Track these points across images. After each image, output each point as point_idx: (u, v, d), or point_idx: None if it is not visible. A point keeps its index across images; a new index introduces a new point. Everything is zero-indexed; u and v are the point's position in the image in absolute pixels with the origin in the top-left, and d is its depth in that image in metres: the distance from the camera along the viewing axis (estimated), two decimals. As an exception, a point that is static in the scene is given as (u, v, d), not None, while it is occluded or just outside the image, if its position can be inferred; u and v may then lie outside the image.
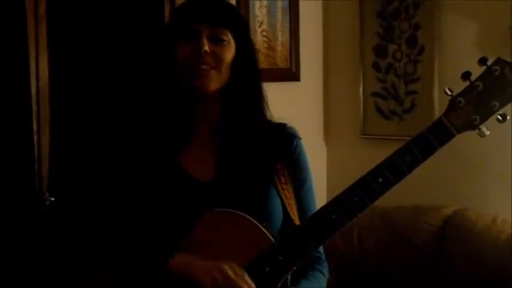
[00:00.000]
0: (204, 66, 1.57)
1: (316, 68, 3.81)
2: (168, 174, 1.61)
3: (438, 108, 3.32)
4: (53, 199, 2.87)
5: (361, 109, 3.66)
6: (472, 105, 1.45)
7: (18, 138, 2.85)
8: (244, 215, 1.51)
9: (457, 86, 3.71)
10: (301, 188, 1.68)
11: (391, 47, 3.55)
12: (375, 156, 3.46)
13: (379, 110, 3.61)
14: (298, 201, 1.65)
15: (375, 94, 3.62)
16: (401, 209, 3.33)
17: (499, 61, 1.45)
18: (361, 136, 3.66)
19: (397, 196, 3.30)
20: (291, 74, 3.52)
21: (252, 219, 1.51)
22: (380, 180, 1.47)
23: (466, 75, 1.46)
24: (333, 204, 1.48)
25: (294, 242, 1.49)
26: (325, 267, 1.70)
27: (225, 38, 1.60)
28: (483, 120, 1.45)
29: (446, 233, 3.11)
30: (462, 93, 1.47)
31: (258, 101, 1.68)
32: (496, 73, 1.44)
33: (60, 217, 2.92)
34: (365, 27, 3.63)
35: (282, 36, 3.50)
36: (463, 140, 3.51)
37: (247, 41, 1.68)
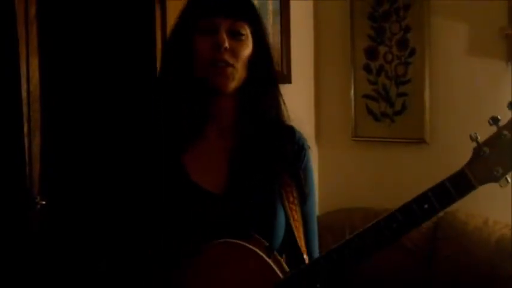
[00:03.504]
0: (223, 64, 1.48)
1: (308, 71, 3.81)
2: (174, 180, 1.51)
3: (429, 110, 3.33)
4: (44, 202, 2.86)
5: (353, 111, 3.67)
6: (496, 155, 1.36)
7: (9, 141, 2.84)
8: (253, 248, 1.43)
9: (447, 87, 3.71)
10: (304, 204, 1.60)
11: (382, 49, 3.55)
12: (366, 158, 3.48)
13: (370, 112, 3.61)
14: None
15: (366, 96, 3.63)
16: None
17: None
18: (353, 138, 3.66)
19: (388, 198, 3.34)
20: (282, 76, 3.50)
21: (261, 253, 1.43)
22: (394, 225, 1.48)
23: (494, 120, 1.35)
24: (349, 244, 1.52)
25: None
26: None
27: (243, 32, 1.51)
28: (506, 172, 1.36)
29: (437, 235, 3.11)
30: (487, 142, 1.37)
31: (276, 101, 1.61)
32: None
33: (53, 221, 2.91)
34: (356, 29, 3.64)
35: (272, 39, 3.48)
36: (453, 141, 3.51)
37: (264, 35, 1.58)
